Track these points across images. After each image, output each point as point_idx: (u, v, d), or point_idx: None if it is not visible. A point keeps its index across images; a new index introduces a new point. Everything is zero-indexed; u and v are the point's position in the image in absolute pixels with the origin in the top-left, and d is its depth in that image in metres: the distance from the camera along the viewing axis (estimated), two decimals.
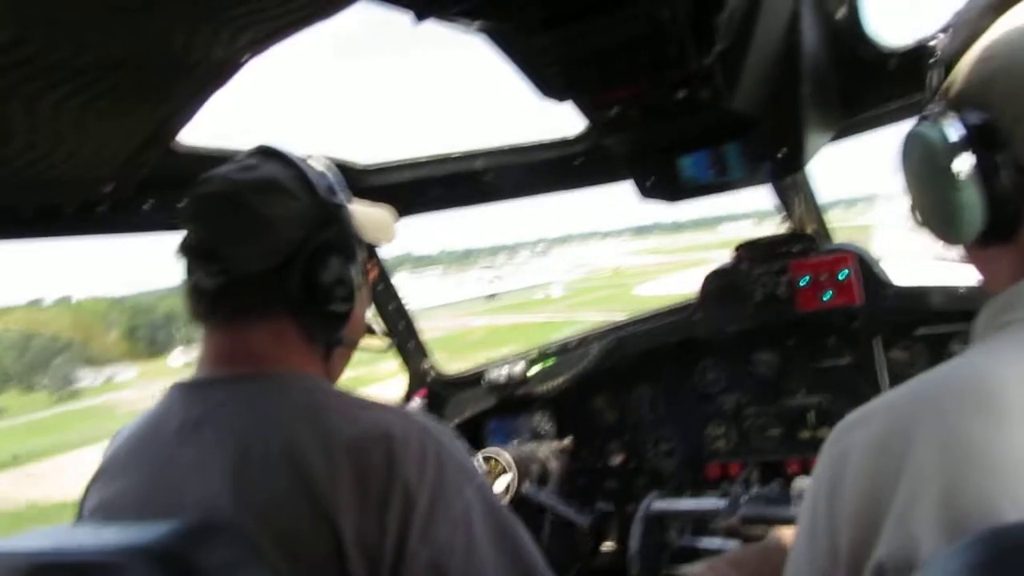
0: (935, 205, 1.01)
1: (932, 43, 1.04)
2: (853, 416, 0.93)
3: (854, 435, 0.90)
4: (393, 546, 1.09)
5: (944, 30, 1.04)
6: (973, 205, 0.95)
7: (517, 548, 1.20)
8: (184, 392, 1.28)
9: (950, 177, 0.96)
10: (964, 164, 0.95)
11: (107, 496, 1.25)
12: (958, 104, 0.98)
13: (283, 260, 1.27)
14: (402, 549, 1.09)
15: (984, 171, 0.94)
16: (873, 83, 1.92)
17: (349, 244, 1.37)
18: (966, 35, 0.99)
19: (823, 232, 2.66)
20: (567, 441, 2.87)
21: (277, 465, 1.11)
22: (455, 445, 1.24)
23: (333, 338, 1.36)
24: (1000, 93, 0.95)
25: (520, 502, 2.32)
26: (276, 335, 1.29)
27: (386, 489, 1.11)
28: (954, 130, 0.96)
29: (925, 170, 1.01)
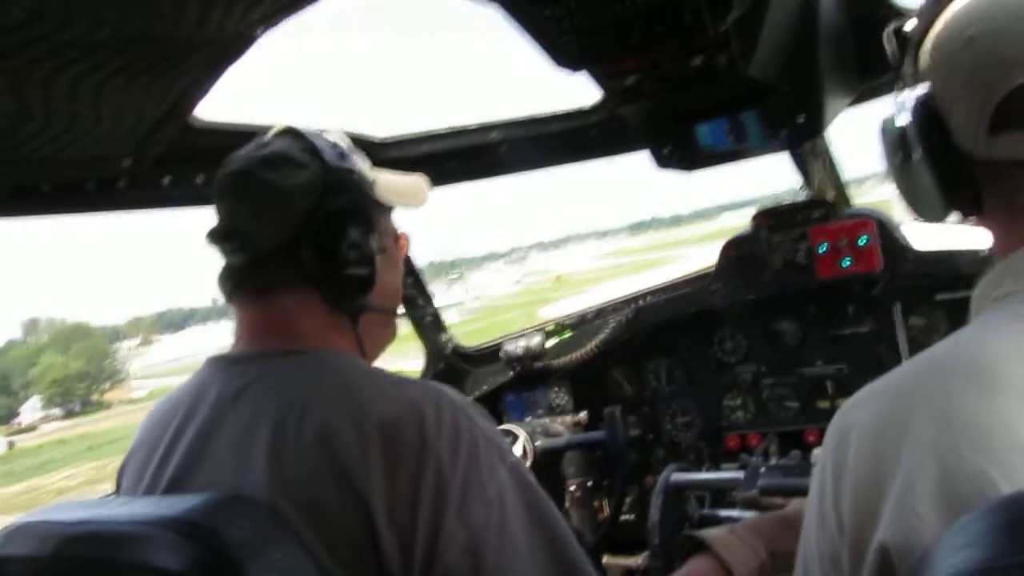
0: (899, 186, 1.05)
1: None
2: (855, 397, 0.94)
3: (854, 416, 0.91)
4: (427, 526, 1.08)
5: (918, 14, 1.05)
6: (926, 185, 0.98)
7: (551, 528, 1.20)
8: (220, 367, 1.29)
9: (904, 159, 1.00)
10: (914, 146, 0.98)
11: (144, 470, 1.26)
12: (915, 87, 1.00)
13: (296, 231, 1.27)
14: (437, 529, 1.08)
15: (930, 152, 0.96)
16: None
17: (362, 209, 1.36)
18: (926, 20, 1.00)
19: (843, 198, 2.64)
20: (582, 415, 2.88)
21: (310, 444, 1.11)
22: (489, 424, 1.24)
23: (356, 304, 1.35)
24: (935, 75, 0.97)
25: (538, 475, 2.33)
26: (302, 307, 1.30)
27: (418, 469, 1.10)
28: (905, 114, 0.99)
29: (887, 153, 1.04)
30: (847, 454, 0.88)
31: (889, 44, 1.08)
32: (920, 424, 0.81)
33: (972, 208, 0.99)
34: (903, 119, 1.00)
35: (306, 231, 1.27)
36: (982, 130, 0.91)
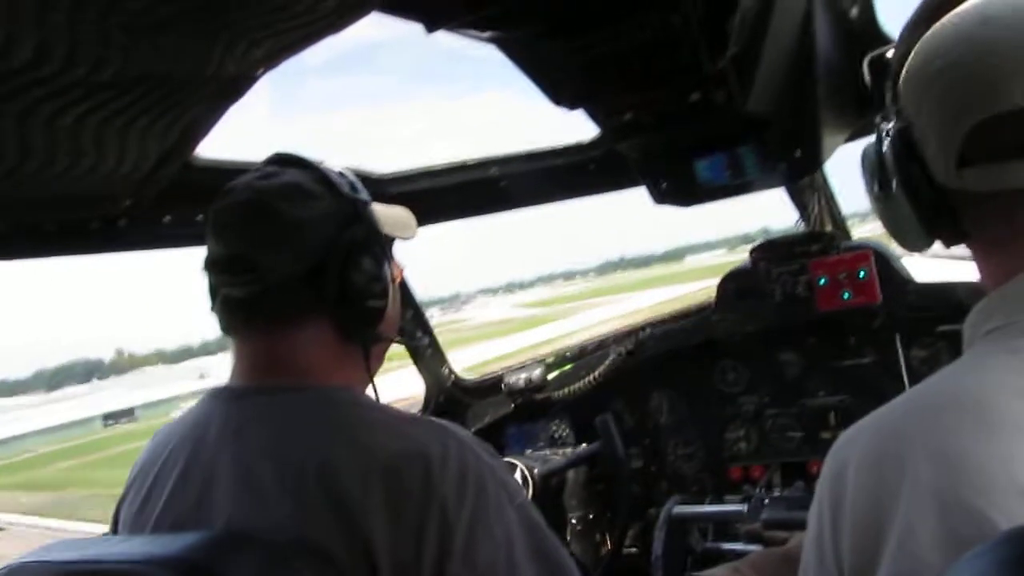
0: (880, 215, 1.05)
1: None
2: (851, 431, 0.94)
3: (849, 452, 0.90)
4: (432, 569, 1.07)
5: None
6: (906, 215, 0.98)
7: (559, 569, 1.18)
8: (221, 401, 1.28)
9: (883, 189, 1.00)
10: (892, 175, 0.98)
11: (144, 505, 1.25)
12: (893, 117, 1.00)
13: (316, 262, 1.26)
14: (442, 572, 1.07)
15: (907, 182, 0.96)
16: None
17: (378, 240, 1.37)
18: (903, 49, 1.00)
19: (841, 231, 2.64)
20: (582, 447, 2.88)
21: (312, 483, 1.10)
22: (497, 463, 1.22)
23: (370, 335, 1.35)
24: (910, 105, 0.97)
25: (540, 507, 2.33)
26: (313, 340, 1.29)
27: (423, 511, 1.09)
28: (883, 144, 0.99)
29: (867, 182, 1.05)
30: (844, 492, 0.87)
31: (867, 73, 1.08)
32: (918, 463, 0.80)
33: (953, 237, 0.99)
34: (882, 149, 1.00)
35: (330, 262, 1.26)
36: (952, 164, 0.91)
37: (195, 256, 1.37)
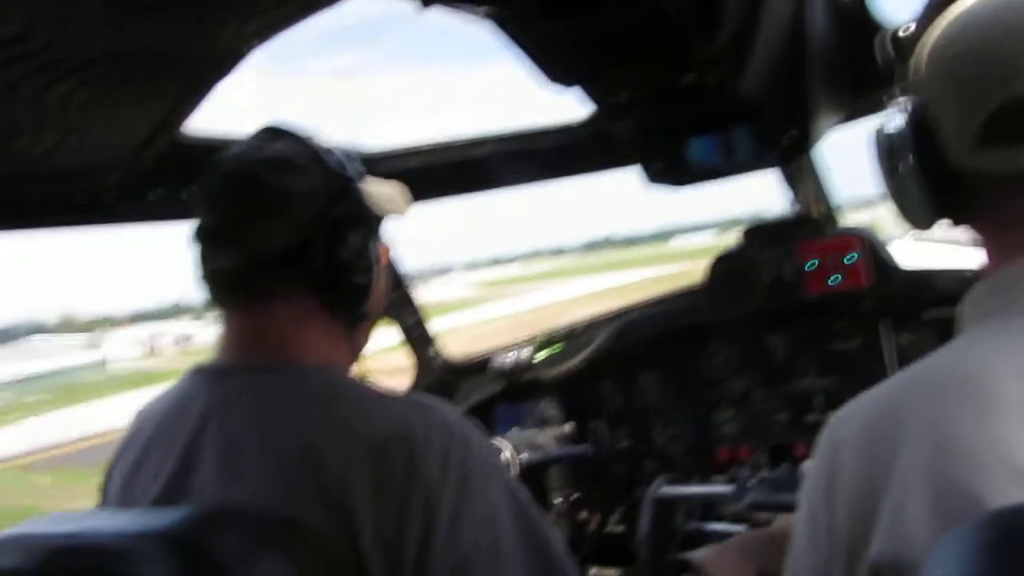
0: (889, 192, 1.05)
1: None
2: (844, 411, 0.94)
3: (844, 431, 0.91)
4: (416, 549, 1.07)
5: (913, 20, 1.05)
6: (915, 193, 0.99)
7: (545, 548, 1.18)
8: (206, 378, 1.27)
9: (894, 166, 0.99)
10: (904, 155, 0.98)
11: (129, 481, 1.25)
12: (908, 95, 1.00)
13: (303, 236, 1.25)
14: (426, 552, 1.07)
15: (920, 160, 0.97)
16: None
17: (367, 216, 1.36)
18: (922, 26, 1.00)
19: (831, 215, 2.65)
20: (567, 427, 2.89)
21: (296, 463, 1.10)
22: (481, 441, 1.22)
23: (357, 313, 1.34)
24: (927, 84, 0.97)
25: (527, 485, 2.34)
26: (298, 316, 1.28)
27: (406, 492, 1.08)
28: (897, 122, 0.98)
29: (878, 159, 1.04)
30: (839, 470, 0.88)
31: (883, 48, 1.08)
32: (912, 442, 0.81)
33: (960, 218, 1.00)
34: (895, 126, 1.00)
35: (316, 236, 1.25)
36: (969, 144, 0.92)
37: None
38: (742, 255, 2.61)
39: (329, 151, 1.35)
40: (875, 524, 0.81)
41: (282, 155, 1.28)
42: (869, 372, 2.48)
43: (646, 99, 1.73)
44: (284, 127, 1.36)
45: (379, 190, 1.45)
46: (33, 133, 1.25)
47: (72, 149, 1.35)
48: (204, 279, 1.30)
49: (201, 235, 1.28)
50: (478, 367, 3.08)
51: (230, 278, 1.27)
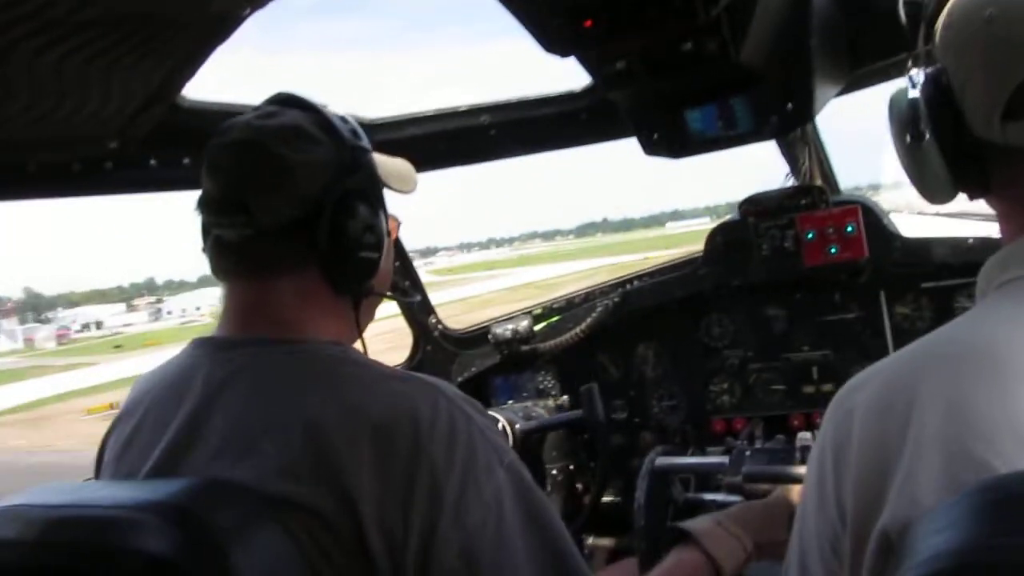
0: (905, 164, 1.03)
1: None
2: (857, 379, 0.93)
3: (856, 398, 0.90)
4: (421, 529, 1.06)
5: None
6: (934, 165, 0.96)
7: (548, 529, 1.17)
8: (208, 350, 1.25)
9: (912, 137, 0.97)
10: (923, 123, 0.96)
11: (125, 451, 1.24)
12: (928, 64, 0.97)
13: (311, 208, 1.22)
14: (431, 533, 1.06)
15: (940, 131, 0.94)
16: (883, 33, 1.89)
17: (376, 190, 1.34)
18: None
19: (830, 186, 2.64)
20: (563, 399, 2.89)
21: (298, 440, 1.08)
22: (487, 422, 1.20)
23: (362, 288, 1.32)
24: (949, 52, 0.94)
25: (521, 458, 2.34)
26: (303, 290, 1.26)
27: (412, 471, 1.07)
28: (917, 91, 0.96)
29: (894, 129, 1.02)
30: (849, 438, 0.88)
31: (903, 16, 1.05)
32: (924, 411, 0.81)
33: (979, 190, 0.98)
34: (913, 95, 0.97)
35: (323, 210, 1.22)
36: (996, 114, 0.89)
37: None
38: (741, 226, 2.60)
39: (343, 120, 1.31)
40: (885, 490, 0.81)
41: (292, 125, 1.25)
42: (866, 344, 2.49)
43: (644, 68, 1.71)
44: (295, 96, 1.33)
45: (390, 164, 1.41)
46: (28, 99, 1.24)
47: (67, 115, 1.34)
48: (208, 249, 1.28)
49: (207, 204, 1.25)
50: (477, 338, 3.09)
51: (235, 249, 1.25)
